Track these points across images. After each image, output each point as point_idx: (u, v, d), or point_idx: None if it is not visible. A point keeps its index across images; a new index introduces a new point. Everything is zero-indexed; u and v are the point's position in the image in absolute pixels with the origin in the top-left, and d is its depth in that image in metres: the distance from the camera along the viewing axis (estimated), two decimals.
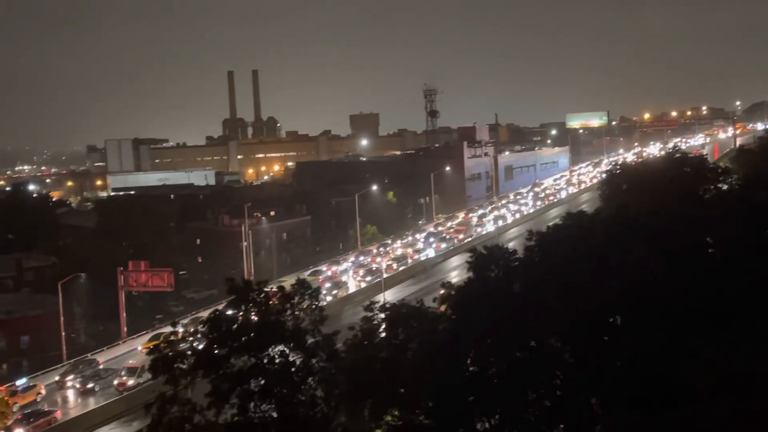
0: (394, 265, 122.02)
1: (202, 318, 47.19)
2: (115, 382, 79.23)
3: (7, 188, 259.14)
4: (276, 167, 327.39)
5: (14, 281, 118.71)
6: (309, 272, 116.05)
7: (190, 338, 48.38)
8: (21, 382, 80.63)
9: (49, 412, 71.61)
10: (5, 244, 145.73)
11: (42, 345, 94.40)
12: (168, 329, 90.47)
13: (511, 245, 52.04)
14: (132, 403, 70.21)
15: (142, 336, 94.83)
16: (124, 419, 70.67)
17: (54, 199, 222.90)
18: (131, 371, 79.59)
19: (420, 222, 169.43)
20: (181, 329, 45.20)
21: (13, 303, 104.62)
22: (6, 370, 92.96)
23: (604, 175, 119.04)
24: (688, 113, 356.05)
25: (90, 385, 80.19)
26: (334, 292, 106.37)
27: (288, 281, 64.89)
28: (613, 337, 41.09)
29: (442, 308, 47.85)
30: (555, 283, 40.80)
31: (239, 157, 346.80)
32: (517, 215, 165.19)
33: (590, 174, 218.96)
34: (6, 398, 73.79)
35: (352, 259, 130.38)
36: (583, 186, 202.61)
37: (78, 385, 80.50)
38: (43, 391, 79.69)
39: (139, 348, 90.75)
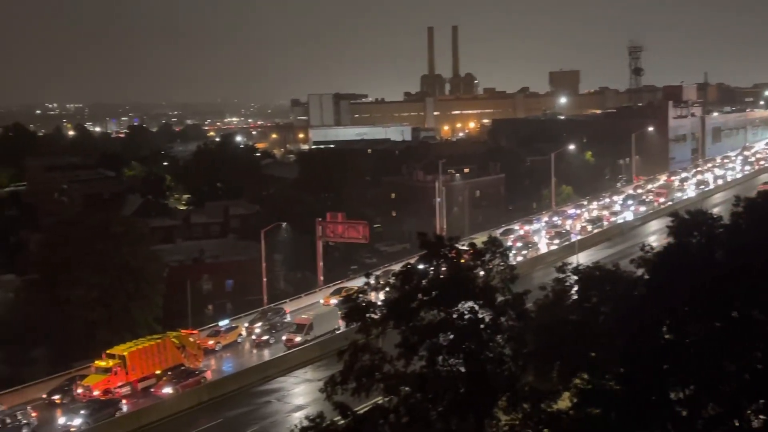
0: (589, 227, 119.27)
1: (394, 271, 47.97)
2: (284, 337, 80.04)
3: (217, 139, 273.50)
4: (471, 124, 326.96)
5: (221, 227, 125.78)
6: (501, 231, 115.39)
7: (381, 290, 49.38)
8: (224, 323, 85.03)
9: (199, 372, 72.26)
10: (214, 192, 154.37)
11: (244, 289, 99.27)
12: (351, 284, 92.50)
13: (715, 211, 49.75)
14: (326, 348, 72.66)
15: (337, 285, 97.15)
16: (318, 364, 73.23)
17: (259, 151, 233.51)
18: (300, 328, 79.66)
19: (618, 184, 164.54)
20: (372, 281, 46.23)
21: (219, 248, 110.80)
22: (212, 311, 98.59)
23: None
24: None
25: (266, 338, 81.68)
26: (524, 252, 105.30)
27: (479, 239, 64.72)
28: None
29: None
30: (762, 252, 38.52)
31: (435, 113, 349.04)
32: (719, 181, 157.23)
33: None
34: (198, 341, 77.97)
35: (545, 219, 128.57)
36: None
37: (255, 337, 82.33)
38: (244, 333, 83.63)
39: (321, 301, 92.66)
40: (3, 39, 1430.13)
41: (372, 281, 45.19)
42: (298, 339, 78.19)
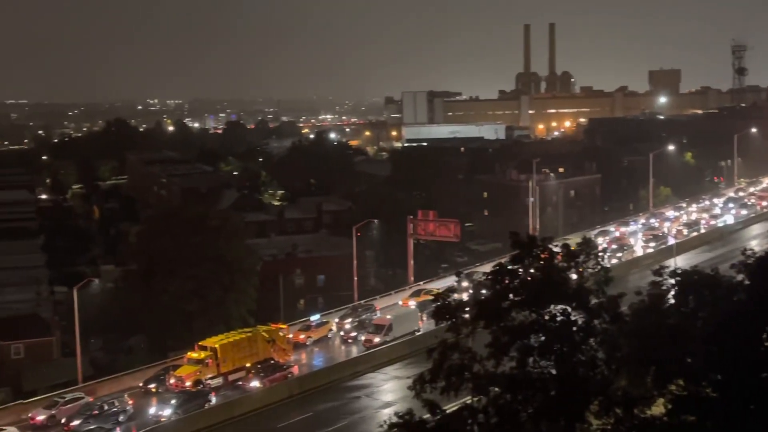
0: (684, 231, 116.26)
1: (482, 271, 47.59)
2: (362, 337, 79.45)
3: (311, 136, 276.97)
4: (567, 123, 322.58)
5: (314, 223, 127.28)
6: (596, 232, 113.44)
7: (466, 291, 49.09)
8: (315, 318, 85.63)
9: (287, 366, 72.39)
10: (307, 188, 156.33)
11: (335, 284, 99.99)
12: (432, 285, 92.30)
13: None
14: (415, 347, 72.46)
15: (417, 286, 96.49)
16: (407, 361, 73.10)
17: (352, 148, 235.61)
18: (378, 328, 78.86)
19: (719, 186, 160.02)
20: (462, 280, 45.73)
21: (312, 243, 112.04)
22: (303, 305, 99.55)
23: None
24: None
25: (354, 334, 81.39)
26: (619, 254, 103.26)
27: (573, 239, 63.52)
28: None
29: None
30: None
31: (530, 111, 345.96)
32: None
33: None
34: (287, 336, 78.65)
35: (642, 221, 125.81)
36: None
37: (344, 333, 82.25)
38: (334, 328, 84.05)
39: (400, 303, 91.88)
40: (108, 36, 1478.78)
41: (462, 281, 44.76)
42: (376, 340, 77.68)
